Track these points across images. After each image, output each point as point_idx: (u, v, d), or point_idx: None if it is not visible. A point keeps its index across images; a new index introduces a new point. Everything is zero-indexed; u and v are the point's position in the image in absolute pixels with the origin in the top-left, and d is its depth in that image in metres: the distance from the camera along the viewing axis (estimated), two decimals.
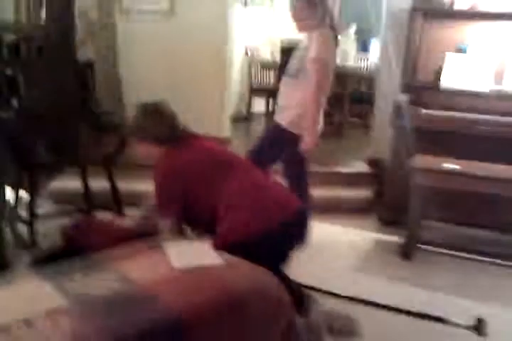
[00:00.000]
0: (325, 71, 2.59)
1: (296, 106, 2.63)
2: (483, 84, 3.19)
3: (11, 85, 3.12)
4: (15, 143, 2.68)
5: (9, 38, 3.69)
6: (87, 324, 1.21)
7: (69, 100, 3.27)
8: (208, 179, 2.01)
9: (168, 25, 4.77)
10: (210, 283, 1.44)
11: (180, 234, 2.02)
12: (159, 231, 1.96)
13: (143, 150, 2.16)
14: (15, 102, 3.08)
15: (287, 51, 4.92)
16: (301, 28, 2.69)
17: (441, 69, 3.28)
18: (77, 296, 1.34)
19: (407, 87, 3.31)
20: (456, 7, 3.31)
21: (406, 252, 2.87)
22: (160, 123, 2.11)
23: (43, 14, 4.15)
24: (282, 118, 2.68)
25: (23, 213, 2.76)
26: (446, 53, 3.28)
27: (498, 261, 2.89)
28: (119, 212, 2.86)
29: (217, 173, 2.03)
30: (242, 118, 5.63)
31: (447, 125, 3.12)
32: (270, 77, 5.82)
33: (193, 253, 1.63)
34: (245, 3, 5.96)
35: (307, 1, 2.63)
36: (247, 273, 1.54)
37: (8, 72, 3.23)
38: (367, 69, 5.79)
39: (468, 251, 2.93)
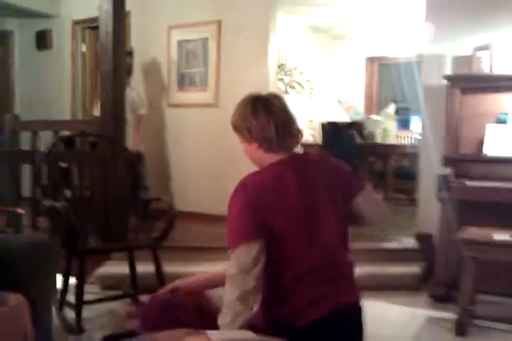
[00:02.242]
0: None
1: None
2: None
3: (65, 176, 3.30)
4: (66, 231, 2.79)
5: (65, 133, 3.96)
6: None
7: (119, 189, 3.43)
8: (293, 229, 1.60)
9: (213, 116, 5.04)
10: None
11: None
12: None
13: (246, 150, 1.80)
14: (68, 192, 3.23)
15: (328, 129, 5.12)
16: None
17: (482, 141, 3.28)
18: None
19: (450, 160, 3.32)
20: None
21: (460, 329, 2.72)
22: (266, 122, 1.68)
23: (96, 112, 4.48)
24: None
25: (71, 298, 2.79)
26: (487, 125, 3.29)
27: None
28: None
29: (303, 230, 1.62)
30: None
31: (493, 195, 3.06)
32: None
33: (233, 334, 1.60)
34: (286, 92, 6.24)
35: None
36: None
37: (63, 164, 3.42)
38: (410, 145, 5.85)
39: None
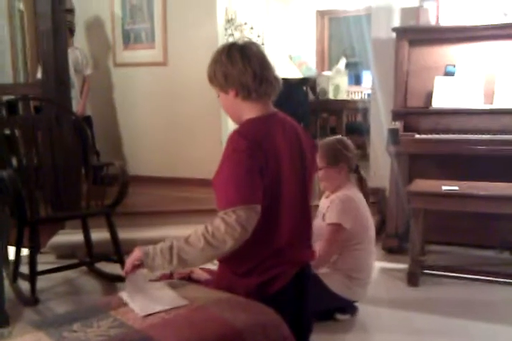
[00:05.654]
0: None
1: None
2: (473, 104, 3.21)
3: (9, 144, 3.17)
4: (15, 201, 2.70)
5: (7, 98, 3.78)
6: None
7: (68, 155, 3.32)
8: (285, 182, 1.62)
9: (162, 75, 4.90)
10: (206, 320, 1.43)
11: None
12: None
13: (223, 101, 1.71)
14: (14, 160, 3.11)
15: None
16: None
17: (431, 94, 3.31)
18: None
19: (399, 114, 3.35)
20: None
21: (411, 278, 2.83)
22: (243, 66, 1.60)
23: (39, 74, 4.28)
24: None
25: (25, 270, 2.73)
26: (435, 77, 3.31)
27: (506, 280, 2.83)
28: (120, 261, 2.83)
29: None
30: None
31: (442, 148, 3.13)
32: None
33: (155, 299, 1.58)
34: None
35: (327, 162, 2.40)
36: (245, 309, 1.51)
37: (7, 131, 3.28)
38: (361, 101, 5.87)
39: (474, 272, 2.88)
